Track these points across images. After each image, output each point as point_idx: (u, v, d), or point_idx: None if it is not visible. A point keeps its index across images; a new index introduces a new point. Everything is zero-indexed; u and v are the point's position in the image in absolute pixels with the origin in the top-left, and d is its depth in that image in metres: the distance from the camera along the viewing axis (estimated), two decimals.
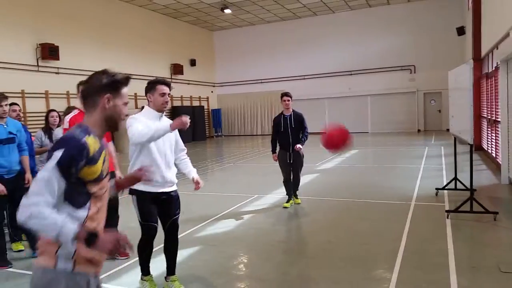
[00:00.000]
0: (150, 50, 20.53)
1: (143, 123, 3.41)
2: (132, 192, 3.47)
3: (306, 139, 6.67)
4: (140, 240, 3.61)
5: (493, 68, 10.06)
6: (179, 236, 3.76)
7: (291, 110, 6.68)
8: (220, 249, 4.84)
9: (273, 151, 6.79)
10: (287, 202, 6.66)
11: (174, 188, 3.71)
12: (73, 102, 15.33)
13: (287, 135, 6.53)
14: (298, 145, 6.50)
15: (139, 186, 3.29)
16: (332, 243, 4.89)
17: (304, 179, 9.18)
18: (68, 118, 4.34)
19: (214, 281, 3.92)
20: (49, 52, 14.71)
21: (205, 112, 24.76)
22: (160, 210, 3.60)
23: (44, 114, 5.89)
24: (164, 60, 21.79)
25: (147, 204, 3.49)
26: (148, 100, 3.62)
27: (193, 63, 23.97)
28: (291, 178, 6.67)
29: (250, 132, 26.09)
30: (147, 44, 20.34)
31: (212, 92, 26.32)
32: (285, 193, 6.77)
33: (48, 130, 5.65)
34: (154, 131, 3.27)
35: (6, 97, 4.55)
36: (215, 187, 9.09)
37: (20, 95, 13.80)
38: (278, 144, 6.71)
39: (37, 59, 14.69)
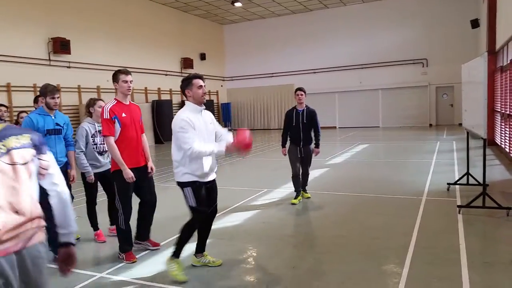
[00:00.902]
0: (160, 44, 20.57)
1: (195, 133, 3.76)
2: (187, 185, 3.84)
3: (320, 138, 6.62)
4: (188, 223, 3.93)
5: (508, 62, 9.88)
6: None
7: (304, 105, 6.62)
8: (229, 243, 4.86)
9: (283, 145, 6.76)
10: (295, 198, 6.62)
11: (215, 176, 4.09)
12: (86, 96, 15.47)
13: (298, 130, 6.50)
14: (317, 149, 6.62)
15: (193, 178, 3.81)
16: (343, 237, 4.87)
17: (314, 173, 9.16)
18: (108, 107, 4.29)
19: (224, 274, 3.94)
20: (60, 46, 14.82)
21: (215, 106, 24.78)
22: (207, 197, 3.98)
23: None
24: (174, 54, 21.82)
25: (201, 193, 3.88)
26: (187, 96, 3.93)
27: (203, 57, 23.96)
28: (301, 173, 6.64)
29: (260, 126, 26.07)
30: (157, 38, 20.37)
31: (222, 86, 26.32)
32: (293, 188, 6.75)
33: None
34: (209, 152, 3.76)
35: (58, 90, 4.69)
36: (224, 181, 9.10)
37: (32, 89, 13.95)
38: (288, 139, 6.69)
39: (49, 53, 14.82)
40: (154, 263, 4.29)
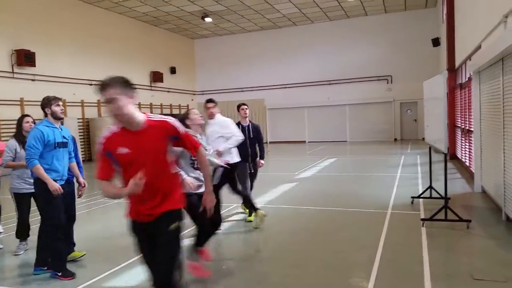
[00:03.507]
0: (129, 57, 20.36)
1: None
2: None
3: (264, 150, 6.72)
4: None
5: (467, 79, 10.35)
6: None
7: (248, 120, 6.67)
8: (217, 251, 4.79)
9: None
10: (250, 215, 6.32)
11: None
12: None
13: (246, 145, 6.33)
14: (262, 161, 6.63)
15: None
16: (309, 251, 4.91)
17: (283, 187, 9.22)
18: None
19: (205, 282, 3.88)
20: (25, 58, 14.43)
21: None
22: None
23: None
24: (144, 68, 21.64)
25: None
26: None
27: (173, 71, 23.87)
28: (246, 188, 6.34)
29: None
30: (126, 51, 20.16)
31: (192, 100, 26.22)
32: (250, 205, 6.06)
33: (22, 138, 5.00)
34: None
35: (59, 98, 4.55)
36: None
37: None
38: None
39: (12, 66, 14.39)
40: (137, 273, 4.18)
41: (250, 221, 6.19)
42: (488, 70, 6.93)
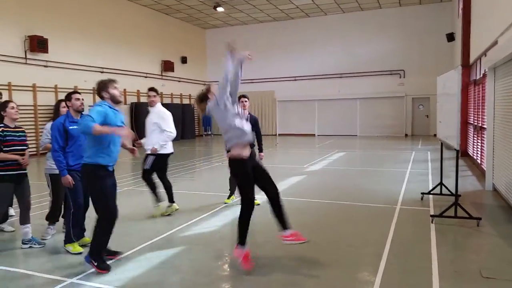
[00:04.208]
0: (140, 45, 20.40)
1: None
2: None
3: (262, 143, 6.78)
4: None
5: (481, 75, 10.19)
6: (165, 235, 3.78)
7: (247, 112, 6.76)
8: (206, 249, 4.82)
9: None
10: (228, 197, 7.03)
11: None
12: (63, 96, 15.16)
13: None
14: (262, 154, 6.67)
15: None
16: (318, 245, 4.90)
17: (292, 180, 9.22)
18: None
19: (198, 281, 3.90)
20: (37, 44, 14.53)
21: (195, 111, 24.67)
22: None
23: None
24: (155, 57, 21.67)
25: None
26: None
27: (184, 60, 23.87)
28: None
29: None
30: (138, 39, 20.20)
31: (202, 90, 26.21)
32: (229, 188, 6.98)
33: None
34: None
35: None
36: (201, 186, 9.07)
37: (7, 87, 13.60)
38: None
39: (25, 51, 14.50)
40: (125, 269, 4.22)
41: (226, 203, 6.91)
42: (504, 66, 6.81)
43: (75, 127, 4.63)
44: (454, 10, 18.85)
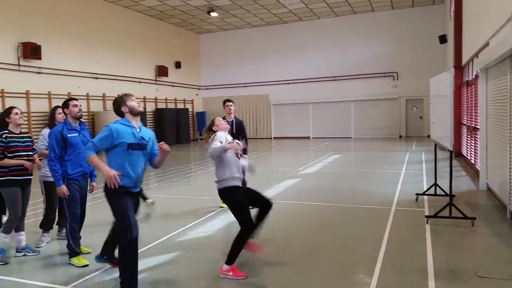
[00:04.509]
0: (135, 51, 20.39)
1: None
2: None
3: (248, 146, 6.78)
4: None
5: (473, 76, 10.28)
6: (161, 240, 3.76)
7: (233, 115, 6.83)
8: (201, 254, 4.81)
9: None
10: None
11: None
12: (56, 102, 15.10)
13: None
14: (245, 156, 6.64)
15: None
16: (314, 247, 4.91)
17: (287, 183, 9.23)
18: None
19: (194, 285, 3.89)
20: (31, 51, 14.49)
21: (190, 115, 24.67)
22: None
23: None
24: (149, 62, 21.66)
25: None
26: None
27: (178, 65, 23.87)
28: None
29: None
30: (131, 45, 20.19)
31: (197, 95, 26.24)
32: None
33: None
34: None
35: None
36: (197, 190, 9.06)
37: (0, 94, 13.54)
38: None
39: (18, 58, 14.44)
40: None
41: (222, 207, 6.79)
42: (495, 67, 6.88)
43: (74, 134, 4.56)
44: (446, 12, 19.01)
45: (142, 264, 4.45)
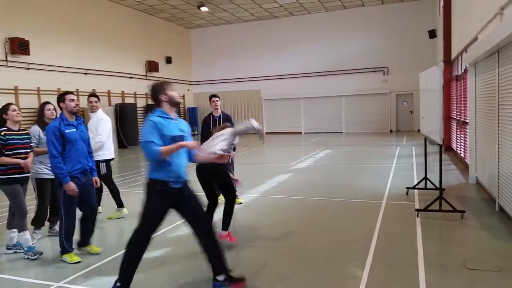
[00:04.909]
0: (124, 46, 20.21)
1: None
2: None
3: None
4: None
5: (463, 71, 10.36)
6: (152, 236, 3.75)
7: (220, 111, 6.84)
8: (193, 249, 4.81)
9: None
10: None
11: None
12: (46, 98, 14.93)
13: None
14: (234, 152, 6.64)
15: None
16: (306, 241, 4.94)
17: (279, 178, 9.26)
18: None
19: (186, 281, 3.90)
20: (19, 46, 14.27)
21: (181, 111, 24.56)
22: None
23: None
24: (139, 57, 21.49)
25: None
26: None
27: (168, 60, 23.72)
28: None
29: None
30: (121, 40, 20.01)
31: (188, 90, 26.12)
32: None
33: (45, 124, 4.95)
34: None
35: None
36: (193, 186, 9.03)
37: None
38: None
39: (6, 54, 14.23)
40: (113, 272, 4.19)
41: None
42: (483, 62, 6.95)
43: (72, 130, 4.43)
44: (436, 7, 19.12)
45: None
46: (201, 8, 20.81)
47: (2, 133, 4.55)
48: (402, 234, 5.04)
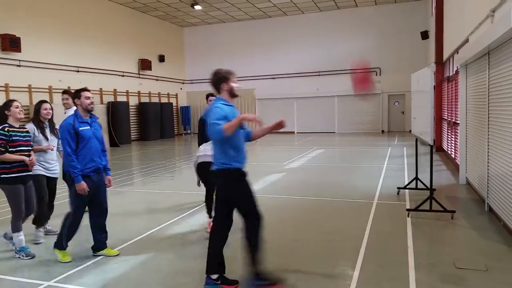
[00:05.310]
0: (117, 44, 20.11)
1: None
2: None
3: None
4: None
5: (454, 72, 10.46)
6: (144, 235, 3.76)
7: None
8: (185, 248, 4.82)
9: None
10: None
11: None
12: (37, 96, 14.80)
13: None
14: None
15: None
16: (297, 240, 4.96)
17: (272, 178, 9.28)
18: None
19: (178, 281, 3.90)
20: (10, 43, 14.15)
21: (174, 109, 24.49)
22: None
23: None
24: (132, 55, 21.40)
25: None
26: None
27: (161, 59, 23.64)
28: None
29: None
30: (114, 38, 19.91)
31: (181, 89, 26.05)
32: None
33: (40, 123, 5.07)
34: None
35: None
36: (181, 185, 9.03)
37: None
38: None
39: None
40: (105, 271, 4.18)
41: None
42: (474, 63, 7.02)
43: (86, 128, 4.33)
44: (428, 8, 19.26)
45: (125, 259, 4.44)
46: (194, 7, 20.76)
47: (6, 129, 4.46)
48: (393, 234, 5.08)
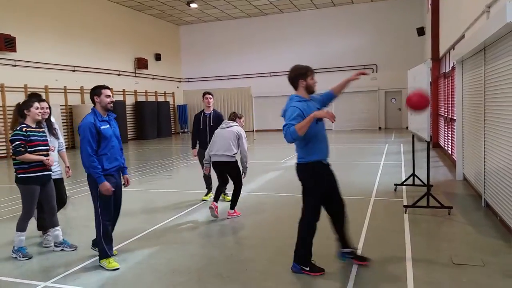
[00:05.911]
0: (113, 43, 20.04)
1: None
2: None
3: None
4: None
5: (450, 68, 10.47)
6: (142, 234, 3.75)
7: (211, 109, 6.91)
8: (183, 247, 4.81)
9: (193, 147, 7.02)
10: (206, 195, 7.09)
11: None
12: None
13: (205, 132, 6.75)
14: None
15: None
16: (295, 237, 4.95)
17: (269, 175, 9.28)
18: None
19: (175, 280, 3.89)
20: (5, 43, 14.08)
21: (171, 108, 24.44)
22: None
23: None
24: (128, 54, 21.34)
25: None
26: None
27: (158, 57, 23.58)
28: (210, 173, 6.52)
29: None
30: (110, 37, 19.84)
31: (178, 87, 26.00)
32: (205, 186, 7.12)
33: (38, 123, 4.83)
34: None
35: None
36: (179, 184, 9.02)
37: None
38: (198, 142, 6.95)
39: None
40: (102, 271, 4.17)
41: (204, 200, 7.05)
42: (470, 59, 7.02)
43: (106, 126, 4.17)
44: (424, 5, 19.27)
45: (122, 259, 4.43)
46: (190, 5, 20.71)
47: (24, 129, 4.40)
48: (390, 230, 5.09)
